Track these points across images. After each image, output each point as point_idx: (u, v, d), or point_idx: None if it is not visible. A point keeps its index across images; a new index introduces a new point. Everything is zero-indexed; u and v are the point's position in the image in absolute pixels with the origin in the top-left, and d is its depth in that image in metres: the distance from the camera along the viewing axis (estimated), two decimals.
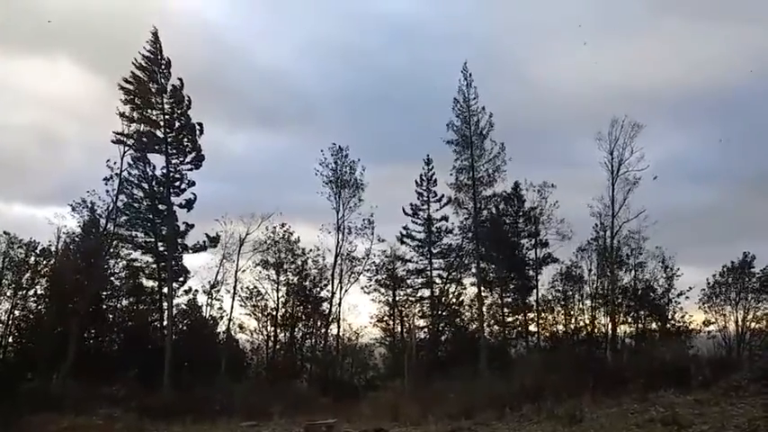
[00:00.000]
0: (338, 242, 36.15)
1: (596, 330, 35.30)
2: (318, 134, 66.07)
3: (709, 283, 34.88)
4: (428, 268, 38.02)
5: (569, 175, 53.97)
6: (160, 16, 67.76)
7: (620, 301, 34.69)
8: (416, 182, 38.04)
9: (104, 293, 34.30)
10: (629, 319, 35.06)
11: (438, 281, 38.16)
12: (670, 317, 34.35)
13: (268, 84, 69.38)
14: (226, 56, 68.88)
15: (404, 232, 37.90)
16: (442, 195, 37.54)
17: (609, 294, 34.46)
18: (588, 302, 35.79)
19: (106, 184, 32.35)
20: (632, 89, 59.67)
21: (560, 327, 36.58)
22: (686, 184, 57.14)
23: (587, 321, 35.68)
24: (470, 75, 35.39)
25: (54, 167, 55.22)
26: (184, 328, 35.55)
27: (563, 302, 36.39)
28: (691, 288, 34.46)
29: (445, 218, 37.56)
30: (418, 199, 38.04)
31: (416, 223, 38.03)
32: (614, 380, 20.62)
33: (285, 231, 36.57)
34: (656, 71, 66.85)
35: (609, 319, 34.41)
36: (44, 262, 33.35)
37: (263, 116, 67.50)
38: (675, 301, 34.47)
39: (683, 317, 34.31)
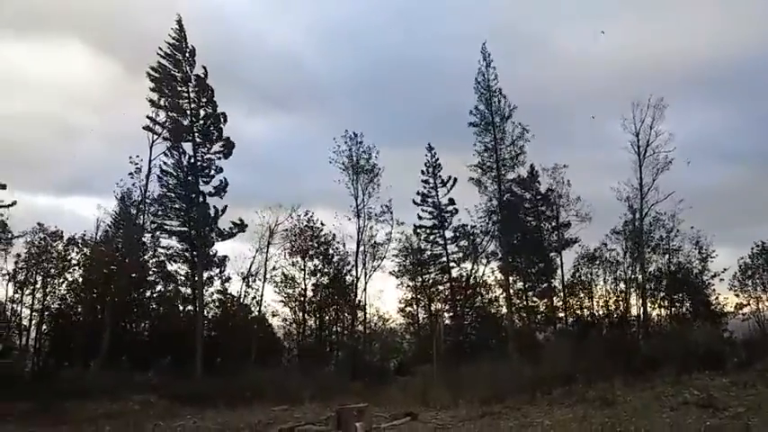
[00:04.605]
0: (359, 228, 36.27)
1: (628, 313, 34.87)
2: (331, 118, 64.91)
3: (740, 267, 34.01)
4: (443, 254, 37.83)
5: (600, 154, 52.83)
6: None
7: (652, 284, 34.14)
8: (422, 171, 37.71)
9: (138, 282, 34.79)
10: (664, 303, 34.52)
11: (454, 265, 37.83)
12: (704, 300, 33.72)
13: (278, 68, 68.70)
14: (233, 38, 68.42)
15: (417, 223, 37.64)
16: (449, 177, 37.28)
17: (640, 277, 33.94)
18: (622, 285, 35.38)
19: (132, 176, 32.86)
20: (663, 65, 58.19)
21: (588, 310, 36.23)
22: (719, 163, 55.73)
23: (620, 305, 35.27)
24: (489, 55, 35.03)
25: (72, 156, 55.37)
26: (217, 315, 35.98)
27: (587, 285, 36.01)
28: (725, 270, 33.74)
29: (452, 200, 37.29)
30: (425, 187, 37.68)
31: (426, 211, 37.71)
32: (647, 363, 20.43)
33: (309, 219, 36.88)
34: (689, 45, 64.74)
35: (641, 302, 33.90)
36: (75, 251, 34.07)
37: (275, 101, 67.31)
38: (710, 284, 33.86)
39: (716, 299, 33.70)
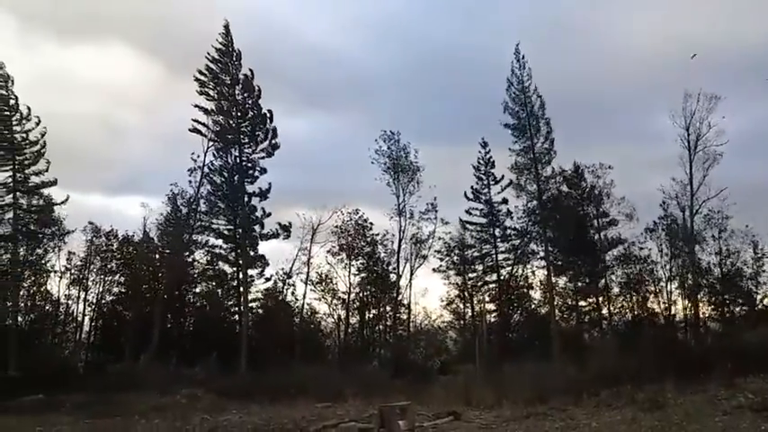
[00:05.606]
0: (401, 226, 36.24)
1: (674, 313, 33.92)
2: (372, 115, 64.60)
3: None
4: (492, 252, 37.47)
5: (645, 149, 51.12)
6: None
7: (703, 283, 33.08)
8: (474, 166, 37.37)
9: (185, 280, 35.58)
10: (714, 302, 33.39)
11: (504, 264, 37.54)
12: (759, 300, 32.50)
13: (317, 66, 68.08)
14: (271, 38, 68.63)
15: (466, 218, 37.41)
16: (502, 177, 36.82)
17: (688, 276, 32.91)
18: (663, 284, 34.44)
19: (191, 173, 33.83)
20: (713, 52, 55.74)
21: (635, 310, 35.33)
22: None
23: (665, 304, 34.34)
24: (523, 57, 34.86)
25: (120, 156, 56.35)
26: (261, 312, 36.50)
27: (630, 285, 35.16)
28: None
29: (505, 200, 36.87)
30: (478, 183, 37.39)
31: (477, 208, 37.42)
32: (698, 365, 19.78)
33: (359, 218, 37.05)
34: (738, 31, 61.82)
35: (689, 301, 32.87)
36: (129, 250, 35.05)
37: (315, 99, 66.96)
38: (766, 284, 32.62)
39: None
